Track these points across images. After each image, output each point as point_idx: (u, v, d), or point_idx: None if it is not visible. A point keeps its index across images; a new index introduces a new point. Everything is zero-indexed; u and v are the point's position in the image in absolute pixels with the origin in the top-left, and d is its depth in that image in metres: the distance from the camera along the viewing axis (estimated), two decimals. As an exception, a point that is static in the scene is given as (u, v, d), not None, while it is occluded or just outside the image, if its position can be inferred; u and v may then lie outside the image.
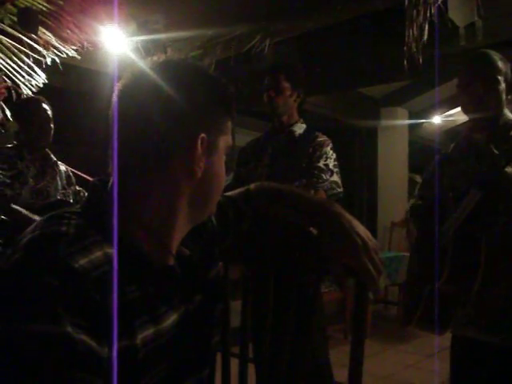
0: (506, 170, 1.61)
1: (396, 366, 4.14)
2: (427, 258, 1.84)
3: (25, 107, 2.72)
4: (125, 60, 3.41)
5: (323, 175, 2.47)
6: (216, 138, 0.89)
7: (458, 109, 7.43)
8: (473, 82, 1.85)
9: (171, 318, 0.88)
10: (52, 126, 2.75)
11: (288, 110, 2.60)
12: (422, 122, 7.39)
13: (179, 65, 0.94)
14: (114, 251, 0.80)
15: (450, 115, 7.26)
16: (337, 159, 2.57)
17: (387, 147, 6.84)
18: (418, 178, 8.16)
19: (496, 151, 1.73)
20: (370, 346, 4.51)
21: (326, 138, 2.58)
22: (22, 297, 0.71)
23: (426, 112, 7.14)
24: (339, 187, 2.53)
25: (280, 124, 2.62)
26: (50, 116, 2.75)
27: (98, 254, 0.78)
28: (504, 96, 1.84)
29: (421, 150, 7.80)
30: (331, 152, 2.54)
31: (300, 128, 2.62)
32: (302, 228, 1.12)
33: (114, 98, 0.88)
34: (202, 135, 0.85)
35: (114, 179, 0.86)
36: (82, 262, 0.75)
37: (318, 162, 2.49)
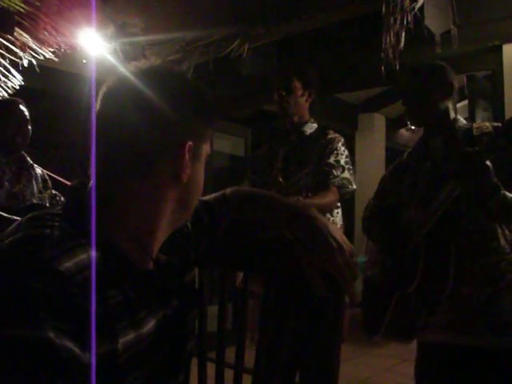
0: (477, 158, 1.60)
1: (373, 370, 4.17)
2: (392, 263, 1.85)
3: (0, 109, 2.68)
4: (103, 63, 3.39)
5: (334, 171, 2.43)
6: (199, 145, 0.91)
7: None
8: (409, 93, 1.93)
9: (150, 323, 0.88)
10: (29, 128, 2.70)
11: (299, 110, 2.57)
12: (399, 128, 7.47)
13: (165, 72, 0.94)
14: (92, 254, 0.79)
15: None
16: (349, 156, 2.53)
17: (364, 153, 6.91)
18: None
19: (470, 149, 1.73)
20: (346, 350, 4.54)
21: (337, 135, 2.55)
22: (3, 300, 0.70)
23: (402, 118, 7.23)
24: (351, 184, 2.49)
25: (291, 124, 2.58)
26: (27, 118, 2.69)
27: (82, 256, 0.77)
28: (449, 104, 1.90)
29: (397, 156, 7.89)
30: (343, 148, 2.51)
31: (311, 127, 2.59)
32: (277, 232, 1.12)
33: (99, 102, 0.88)
34: (190, 143, 0.87)
35: (92, 184, 0.85)
36: (67, 264, 0.74)
37: (329, 158, 2.45)
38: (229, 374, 1.18)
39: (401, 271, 1.79)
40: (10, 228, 0.81)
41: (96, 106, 0.88)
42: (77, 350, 0.72)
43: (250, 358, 1.21)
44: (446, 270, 1.67)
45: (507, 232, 1.75)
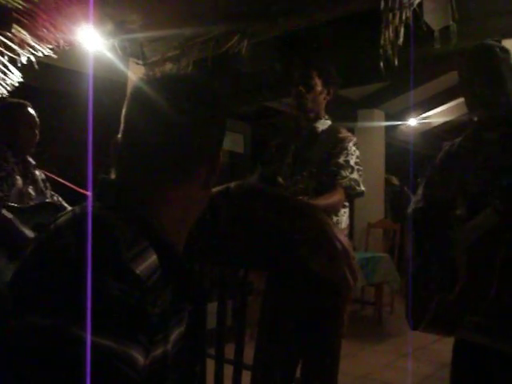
0: None
1: (372, 366, 4.18)
2: (434, 268, 1.78)
3: (10, 111, 2.71)
4: (101, 60, 3.38)
5: (342, 172, 2.38)
6: (220, 150, 0.95)
7: (434, 111, 7.48)
8: (478, 77, 1.73)
9: (185, 320, 0.90)
10: (37, 132, 2.76)
11: (316, 107, 2.53)
12: (399, 124, 7.47)
13: (196, 79, 0.97)
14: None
15: (426, 117, 7.36)
16: (359, 157, 2.48)
17: (364, 149, 6.83)
18: (395, 180, 8.24)
19: None
20: (346, 346, 4.54)
21: (349, 134, 2.52)
22: (75, 302, 0.68)
23: (402, 114, 7.23)
24: (358, 185, 2.43)
25: (306, 120, 2.55)
26: (37, 122, 2.76)
27: (151, 259, 0.77)
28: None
29: (397, 152, 7.89)
30: (354, 148, 2.46)
31: (324, 124, 2.56)
32: (280, 230, 1.12)
33: (131, 105, 0.89)
34: (219, 150, 0.93)
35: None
36: (141, 268, 0.74)
37: (338, 157, 2.41)
38: (228, 371, 1.18)
39: (441, 276, 1.73)
40: (62, 225, 0.80)
41: (127, 108, 0.89)
42: (139, 356, 0.71)
43: (249, 354, 1.22)
44: (489, 279, 1.58)
45: None
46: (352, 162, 2.42)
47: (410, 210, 1.96)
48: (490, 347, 1.67)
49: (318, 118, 2.55)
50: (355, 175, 2.42)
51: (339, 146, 2.44)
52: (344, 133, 2.51)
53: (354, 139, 2.50)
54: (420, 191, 1.98)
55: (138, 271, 0.73)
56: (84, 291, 0.69)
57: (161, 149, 0.86)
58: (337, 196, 2.37)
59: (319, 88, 2.50)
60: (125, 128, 0.88)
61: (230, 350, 1.20)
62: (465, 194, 1.72)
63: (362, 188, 2.45)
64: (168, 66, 3.59)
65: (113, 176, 0.89)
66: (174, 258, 0.86)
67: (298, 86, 2.49)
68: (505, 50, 1.78)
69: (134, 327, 0.71)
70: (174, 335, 0.83)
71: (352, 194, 2.42)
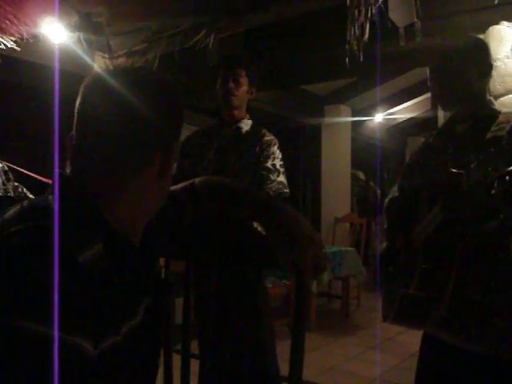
0: (469, 189, 1.51)
1: (340, 358, 4.23)
2: (399, 261, 1.79)
3: None
4: (67, 53, 3.33)
5: (271, 176, 2.44)
6: (176, 142, 0.95)
7: (399, 107, 7.57)
8: (449, 73, 1.76)
9: (140, 312, 0.89)
10: None
11: (241, 105, 2.57)
12: (365, 120, 7.55)
13: (149, 74, 0.97)
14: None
15: (391, 113, 7.46)
16: (282, 159, 2.54)
17: (330, 144, 6.96)
18: (361, 175, 8.34)
19: (458, 171, 1.58)
20: (314, 339, 4.60)
21: (273, 137, 2.56)
22: (17, 290, 0.69)
23: (368, 110, 7.31)
24: (285, 188, 2.49)
25: (230, 117, 2.58)
26: None
27: (97, 247, 0.78)
28: (485, 85, 1.77)
29: (363, 147, 7.98)
30: (278, 152, 2.52)
31: (247, 124, 2.60)
32: (246, 224, 1.13)
33: (85, 98, 0.89)
34: (175, 141, 0.93)
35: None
36: (85, 256, 0.75)
37: (266, 162, 2.47)
38: (194, 366, 1.19)
39: (404, 268, 1.75)
40: (8, 217, 0.80)
41: (80, 100, 0.89)
42: (87, 345, 0.71)
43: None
44: (448, 272, 1.61)
45: None
46: (278, 166, 2.48)
47: (386, 200, 1.98)
48: (452, 344, 1.70)
49: (241, 117, 2.60)
50: (281, 178, 2.48)
51: (266, 151, 2.49)
52: (268, 136, 2.56)
53: (277, 142, 2.55)
54: (398, 181, 1.99)
55: (81, 259, 0.73)
56: (26, 280, 0.69)
57: (113, 139, 0.86)
58: None
59: (246, 87, 2.54)
60: (78, 120, 0.89)
61: (194, 345, 1.20)
62: (432, 189, 1.74)
63: (287, 190, 2.51)
64: (134, 60, 3.55)
65: (68, 169, 0.89)
66: (124, 248, 0.86)
67: (227, 82, 2.51)
68: (476, 47, 1.80)
69: (78, 315, 0.71)
70: (126, 327, 0.83)
71: (280, 198, 2.45)
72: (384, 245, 1.89)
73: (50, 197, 0.84)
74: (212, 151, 2.55)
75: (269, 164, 2.46)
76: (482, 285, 1.63)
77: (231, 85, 2.50)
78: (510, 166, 1.46)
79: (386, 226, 1.94)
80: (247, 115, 2.63)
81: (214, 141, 2.59)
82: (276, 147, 2.52)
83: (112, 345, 0.78)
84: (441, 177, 1.69)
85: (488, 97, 1.79)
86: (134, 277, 0.88)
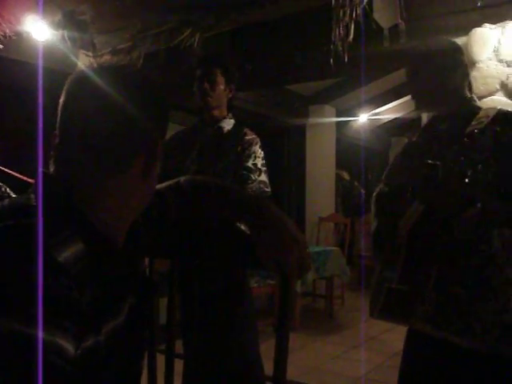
0: (448, 184, 1.57)
1: (324, 357, 4.25)
2: (384, 255, 1.82)
3: None
4: (50, 51, 3.30)
5: (252, 175, 2.43)
6: (160, 141, 0.94)
7: (383, 108, 7.60)
8: (424, 73, 1.80)
9: (124, 312, 0.89)
10: None
11: (220, 105, 2.55)
12: (349, 120, 7.59)
13: (134, 72, 0.97)
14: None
15: (376, 114, 7.50)
16: (264, 158, 2.53)
17: (315, 144, 6.98)
18: (345, 175, 8.37)
19: (434, 162, 1.65)
20: (298, 338, 4.61)
21: (255, 136, 2.55)
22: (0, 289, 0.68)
23: (352, 110, 7.34)
24: (267, 187, 2.48)
25: (210, 118, 2.57)
26: None
27: (77, 246, 0.77)
28: (465, 85, 1.80)
29: (348, 148, 8.02)
30: (259, 151, 2.51)
31: (229, 124, 2.58)
32: (230, 223, 1.13)
33: (67, 98, 0.88)
34: (160, 140, 0.92)
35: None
36: (65, 255, 0.74)
37: (247, 161, 2.45)
38: (178, 366, 1.18)
39: (389, 262, 1.77)
40: None
41: (64, 99, 0.88)
42: (68, 345, 0.70)
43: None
44: (429, 267, 1.64)
45: (507, 234, 1.67)
46: (259, 165, 2.47)
47: (374, 195, 1.99)
48: (437, 337, 1.72)
49: (222, 116, 2.58)
50: (263, 177, 2.47)
51: (247, 150, 2.48)
52: (250, 135, 2.54)
53: (259, 141, 2.54)
54: (383, 177, 2.01)
55: (60, 258, 0.73)
56: (5, 279, 0.69)
57: (96, 138, 0.85)
58: None
59: (222, 86, 2.52)
60: (61, 118, 0.88)
61: (180, 345, 1.20)
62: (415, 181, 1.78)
63: (269, 189, 2.50)
64: (119, 58, 3.53)
65: (52, 167, 0.89)
66: (106, 248, 0.86)
67: (203, 83, 2.51)
68: (455, 50, 1.84)
69: (58, 314, 0.70)
70: (108, 327, 0.82)
71: (261, 198, 2.46)
72: (374, 225, 1.91)
73: (32, 195, 0.84)
74: (195, 151, 2.55)
75: (250, 163, 2.45)
76: (463, 278, 1.66)
77: (206, 85, 2.49)
78: (482, 155, 1.50)
79: (374, 214, 1.94)
80: (229, 114, 2.61)
81: (196, 141, 2.58)
82: (258, 146, 2.51)
83: (94, 345, 0.78)
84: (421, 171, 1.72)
85: (468, 94, 1.82)
86: (117, 277, 0.88)
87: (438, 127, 1.85)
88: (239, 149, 2.50)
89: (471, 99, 1.82)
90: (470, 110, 1.77)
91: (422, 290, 1.65)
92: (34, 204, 0.81)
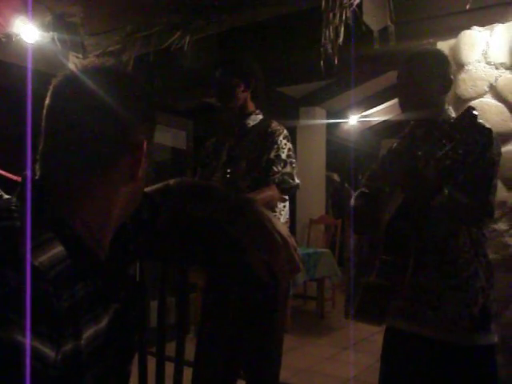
0: (425, 172, 1.65)
1: (315, 359, 4.25)
2: (362, 252, 1.88)
3: None
4: (40, 53, 3.29)
5: (274, 167, 2.36)
6: (148, 143, 0.93)
7: (373, 110, 7.64)
8: (409, 81, 1.87)
9: (106, 317, 0.88)
10: None
11: (238, 103, 2.51)
12: (339, 122, 7.61)
13: (118, 72, 0.95)
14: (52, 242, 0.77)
15: (366, 116, 7.53)
16: (292, 149, 2.47)
17: (305, 146, 6.99)
18: (336, 177, 8.39)
19: (419, 152, 1.76)
20: (289, 340, 4.60)
21: (279, 128, 2.47)
22: None
23: (343, 112, 7.36)
24: (293, 179, 2.42)
25: (234, 117, 2.54)
26: None
27: (55, 250, 0.77)
28: (439, 94, 1.87)
29: (338, 149, 8.04)
30: (284, 141, 2.43)
31: (254, 119, 2.53)
32: (218, 225, 1.13)
33: (52, 98, 0.88)
34: (145, 141, 0.90)
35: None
36: (42, 259, 0.73)
37: (269, 153, 2.39)
38: (169, 369, 1.18)
39: (366, 258, 1.82)
40: None
41: (49, 101, 0.88)
42: (47, 350, 0.70)
43: (191, 351, 1.22)
44: (405, 261, 1.69)
45: (475, 229, 1.77)
46: (284, 156, 2.41)
47: (353, 196, 2.05)
48: (410, 331, 1.79)
49: (246, 113, 2.54)
50: (288, 169, 2.41)
51: (269, 141, 2.42)
52: (274, 127, 2.48)
53: (284, 132, 2.47)
54: (363, 181, 2.08)
55: (36, 262, 0.72)
56: None
57: (81, 139, 0.85)
58: (268, 192, 2.34)
59: (235, 84, 2.48)
60: (45, 122, 0.87)
61: (171, 348, 1.20)
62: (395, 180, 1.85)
63: (297, 181, 2.45)
64: (108, 60, 3.52)
65: (37, 171, 0.88)
66: (87, 252, 0.85)
67: (216, 85, 2.51)
68: (436, 55, 1.92)
69: (33, 319, 0.69)
70: (89, 332, 0.81)
71: (286, 189, 2.41)
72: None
73: (14, 199, 0.83)
74: (225, 154, 2.51)
75: (272, 155, 2.39)
76: (434, 272, 1.75)
77: (219, 87, 2.50)
78: (446, 147, 1.61)
79: (354, 221, 1.99)
80: (256, 110, 2.57)
81: (225, 143, 2.56)
82: (281, 137, 2.43)
83: (74, 349, 0.77)
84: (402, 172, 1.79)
85: (446, 106, 1.90)
86: (101, 281, 0.87)
87: (415, 133, 1.94)
88: (260, 142, 2.44)
89: (448, 110, 1.89)
90: (445, 117, 1.85)
91: (399, 285, 1.70)
92: (13, 208, 0.81)
